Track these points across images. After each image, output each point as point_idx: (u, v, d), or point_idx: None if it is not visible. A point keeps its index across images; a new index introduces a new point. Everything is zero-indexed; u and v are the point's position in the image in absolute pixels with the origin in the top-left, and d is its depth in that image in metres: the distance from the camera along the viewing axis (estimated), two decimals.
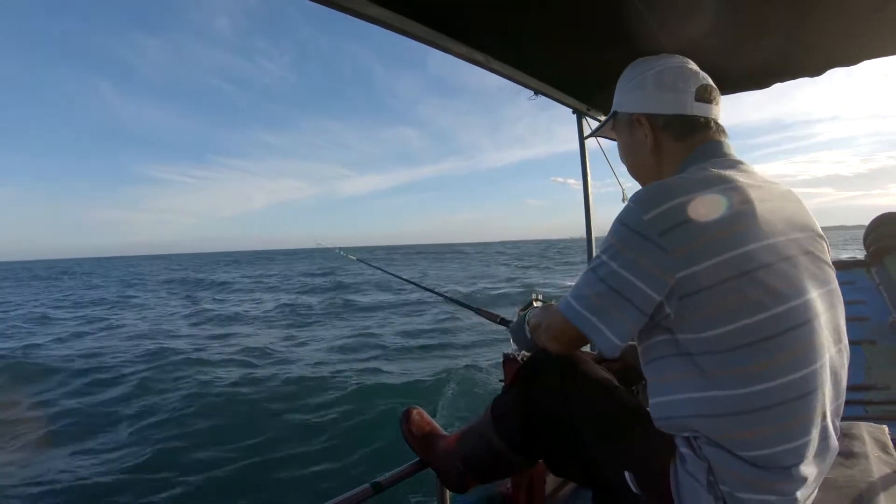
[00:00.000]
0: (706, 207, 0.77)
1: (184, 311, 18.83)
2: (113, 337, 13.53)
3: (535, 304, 1.24)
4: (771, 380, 0.75)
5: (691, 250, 0.75)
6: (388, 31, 1.21)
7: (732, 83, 1.85)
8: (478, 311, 1.45)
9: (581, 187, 2.31)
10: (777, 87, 1.88)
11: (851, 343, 0.88)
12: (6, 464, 5.70)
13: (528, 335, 1.08)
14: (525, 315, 1.12)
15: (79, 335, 14.03)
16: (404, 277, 2.00)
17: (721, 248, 0.75)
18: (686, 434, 0.82)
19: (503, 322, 1.32)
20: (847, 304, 0.89)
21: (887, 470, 1.06)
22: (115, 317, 17.97)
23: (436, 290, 1.74)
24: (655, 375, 0.87)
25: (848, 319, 0.89)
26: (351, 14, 1.13)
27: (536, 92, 1.83)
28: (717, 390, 0.77)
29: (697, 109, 0.97)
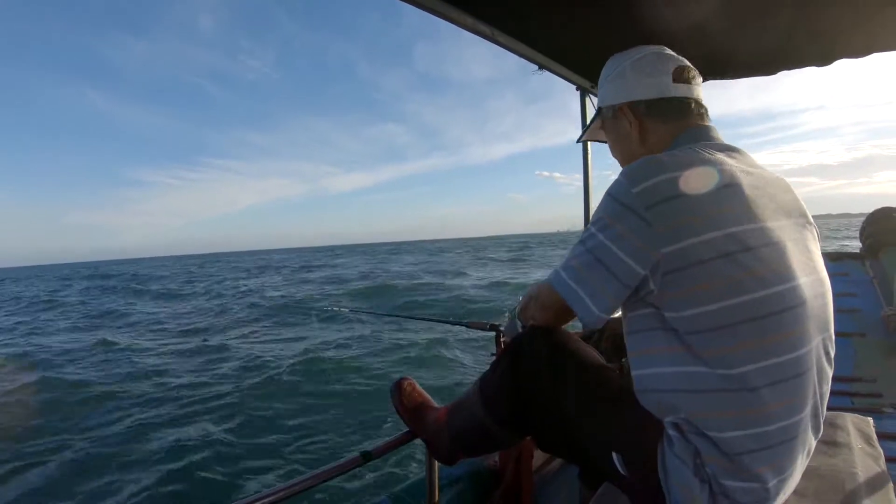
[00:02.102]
0: (694, 185, 0.77)
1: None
2: None
3: None
4: (753, 362, 0.75)
5: (676, 226, 0.76)
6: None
7: (739, 67, 1.83)
8: (468, 326, 1.51)
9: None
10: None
11: (842, 335, 0.88)
12: None
13: (519, 329, 1.11)
14: (515, 311, 1.15)
15: None
16: (394, 314, 2.32)
17: (706, 227, 0.75)
18: (671, 419, 0.83)
19: (493, 328, 1.37)
20: (840, 296, 0.89)
21: (870, 461, 1.08)
22: None
23: (422, 317, 1.88)
24: (638, 347, 0.88)
25: (840, 311, 0.88)
26: None
27: (541, 67, 1.81)
28: (699, 367, 0.78)
29: (676, 90, 0.97)
